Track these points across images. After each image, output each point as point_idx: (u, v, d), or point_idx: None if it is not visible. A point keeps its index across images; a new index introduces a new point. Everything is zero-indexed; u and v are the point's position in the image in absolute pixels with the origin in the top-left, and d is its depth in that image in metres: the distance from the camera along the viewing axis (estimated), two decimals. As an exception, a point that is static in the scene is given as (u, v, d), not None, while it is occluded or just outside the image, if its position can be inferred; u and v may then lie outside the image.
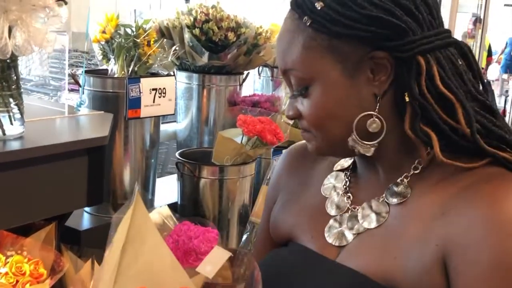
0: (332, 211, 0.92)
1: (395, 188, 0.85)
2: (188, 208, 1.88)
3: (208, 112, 2.17)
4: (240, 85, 2.22)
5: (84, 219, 1.75)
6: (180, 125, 2.24)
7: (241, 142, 1.86)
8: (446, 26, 0.87)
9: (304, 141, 1.09)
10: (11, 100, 1.22)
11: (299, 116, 0.88)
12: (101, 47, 1.81)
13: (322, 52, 0.82)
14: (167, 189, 2.10)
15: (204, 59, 2.01)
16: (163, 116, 1.90)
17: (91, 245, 1.55)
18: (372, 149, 0.83)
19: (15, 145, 1.21)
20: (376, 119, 0.82)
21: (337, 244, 0.87)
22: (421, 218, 0.80)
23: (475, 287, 0.73)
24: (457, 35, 4.72)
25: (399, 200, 0.84)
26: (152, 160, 1.86)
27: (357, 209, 0.89)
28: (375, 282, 0.79)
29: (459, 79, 0.82)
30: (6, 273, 1.22)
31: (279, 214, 1.02)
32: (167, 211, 1.73)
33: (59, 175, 1.30)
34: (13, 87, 1.23)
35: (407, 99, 0.80)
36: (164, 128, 2.21)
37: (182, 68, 2.15)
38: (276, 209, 1.04)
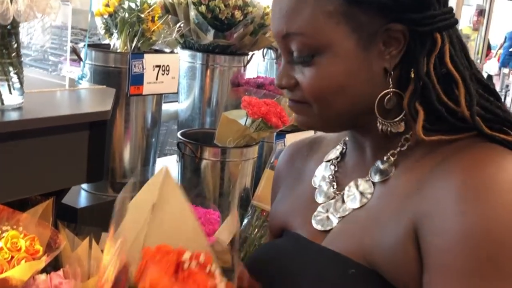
0: (320, 199, 0.89)
1: (380, 166, 0.82)
2: (189, 189, 1.83)
3: (211, 93, 2.12)
4: (244, 66, 2.17)
5: (81, 196, 1.71)
6: (182, 105, 2.19)
7: (245, 124, 1.82)
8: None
9: (301, 139, 1.06)
10: (10, 68, 1.17)
11: (294, 85, 0.81)
12: (104, 21, 1.75)
13: (338, 18, 0.75)
14: (167, 170, 2.05)
15: (209, 37, 1.96)
16: (166, 94, 1.85)
17: (87, 223, 1.51)
18: (402, 124, 0.80)
19: (13, 116, 1.16)
20: (393, 95, 0.78)
21: (322, 229, 0.85)
22: (398, 196, 0.78)
23: (441, 257, 0.68)
24: (463, 27, 4.68)
25: (381, 178, 0.81)
26: (153, 140, 1.81)
27: (343, 192, 0.86)
28: (357, 263, 0.77)
29: (465, 60, 0.80)
30: (1, 248, 1.18)
31: (275, 207, 1.01)
32: (168, 192, 1.69)
33: (59, 149, 1.25)
34: (13, 55, 1.17)
35: (412, 75, 0.77)
36: (165, 107, 2.16)
37: (186, 46, 2.10)
38: (274, 203, 1.03)
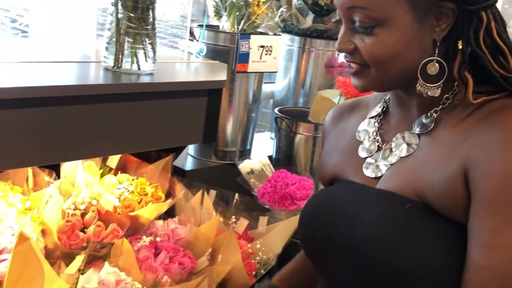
0: (363, 154, 1.01)
1: (424, 120, 0.94)
2: (282, 161, 2.00)
3: (305, 75, 2.26)
4: (339, 50, 2.28)
5: (188, 161, 1.90)
6: (278, 86, 2.35)
7: (338, 103, 1.95)
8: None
9: (342, 102, 1.19)
10: (146, 39, 1.36)
11: (353, 50, 0.92)
12: (215, 4, 1.93)
13: None
14: (260, 144, 2.22)
15: (308, 21, 2.10)
16: (267, 73, 2.01)
17: (193, 184, 1.69)
18: (439, 90, 0.92)
19: (147, 79, 1.35)
20: (436, 63, 0.91)
21: (373, 176, 0.97)
22: (446, 145, 0.89)
23: (489, 195, 0.81)
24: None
25: (423, 131, 0.93)
26: (253, 115, 1.98)
27: (390, 143, 0.98)
28: (410, 199, 0.89)
29: (505, 34, 0.92)
30: (132, 192, 1.38)
31: (323, 161, 1.13)
32: (266, 160, 1.86)
33: (182, 110, 1.43)
34: (149, 27, 1.36)
35: (460, 46, 0.89)
36: (263, 87, 2.32)
37: (285, 30, 2.25)
38: (321, 158, 1.15)
